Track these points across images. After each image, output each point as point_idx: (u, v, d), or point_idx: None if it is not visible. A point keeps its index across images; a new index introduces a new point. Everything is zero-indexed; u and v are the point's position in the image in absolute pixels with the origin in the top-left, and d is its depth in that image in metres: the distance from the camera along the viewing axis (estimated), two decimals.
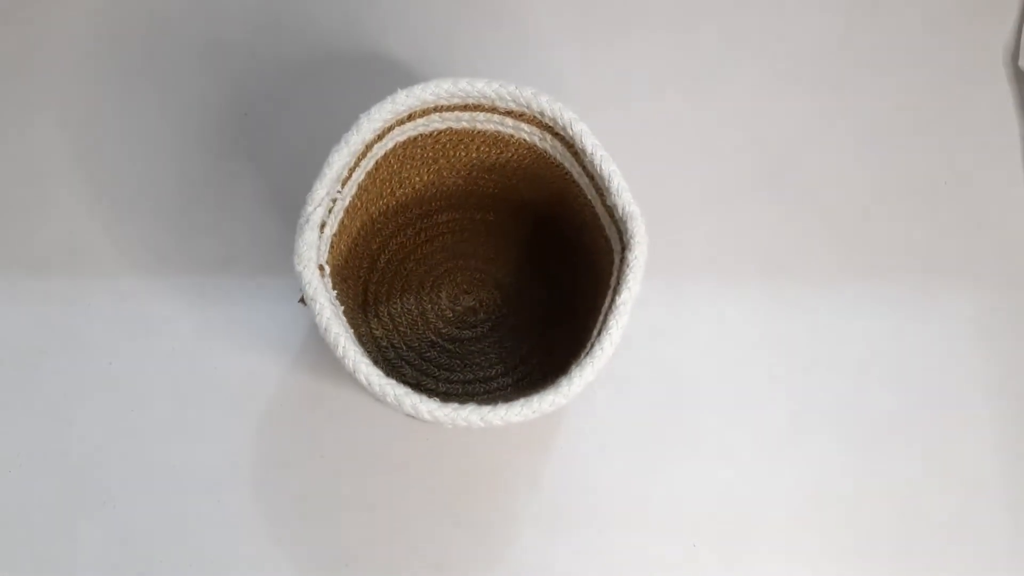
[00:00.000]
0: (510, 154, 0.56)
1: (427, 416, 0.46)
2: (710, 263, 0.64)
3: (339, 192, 0.50)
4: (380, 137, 0.51)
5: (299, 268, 0.47)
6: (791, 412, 0.63)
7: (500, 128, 0.53)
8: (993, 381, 0.63)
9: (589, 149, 0.49)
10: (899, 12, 0.69)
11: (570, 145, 0.51)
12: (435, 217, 0.63)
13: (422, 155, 0.56)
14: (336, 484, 0.60)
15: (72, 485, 0.58)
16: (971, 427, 0.62)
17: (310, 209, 0.48)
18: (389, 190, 0.59)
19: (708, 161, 0.66)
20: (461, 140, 0.55)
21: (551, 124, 0.51)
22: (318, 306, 0.46)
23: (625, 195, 0.48)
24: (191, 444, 0.60)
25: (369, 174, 0.54)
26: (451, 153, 0.57)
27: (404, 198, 0.61)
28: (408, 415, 0.48)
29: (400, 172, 0.58)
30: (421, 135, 0.54)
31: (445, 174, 0.59)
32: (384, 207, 0.60)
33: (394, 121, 0.51)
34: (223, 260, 0.62)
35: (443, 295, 0.62)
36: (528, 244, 0.63)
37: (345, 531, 0.59)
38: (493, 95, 0.50)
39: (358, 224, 0.58)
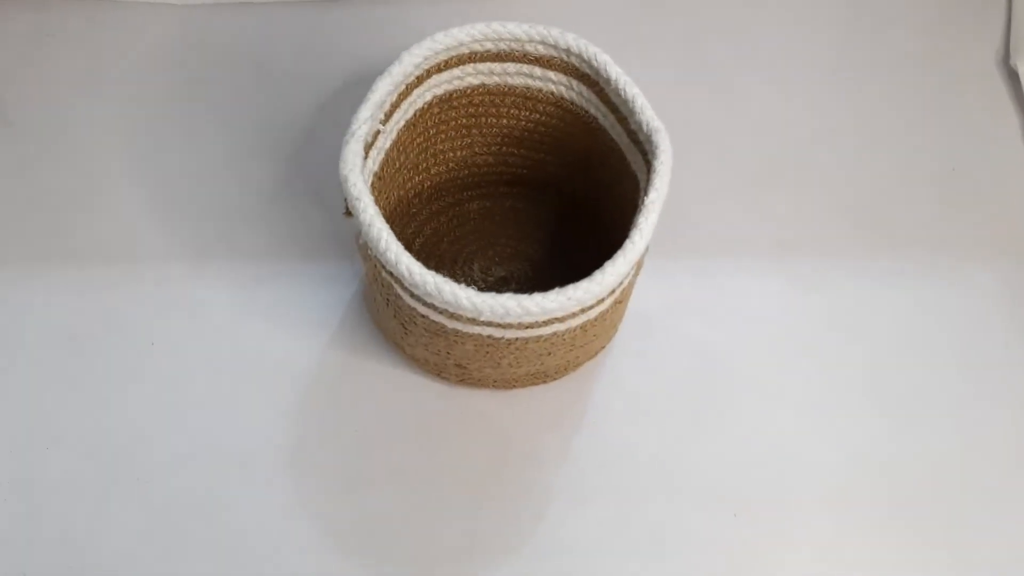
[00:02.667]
0: (539, 115, 0.60)
1: (465, 303, 0.48)
2: (738, 243, 0.67)
3: (382, 125, 0.54)
4: (420, 81, 0.56)
5: (344, 172, 0.50)
6: (824, 383, 0.63)
7: (530, 82, 0.58)
8: (1019, 343, 0.64)
9: (613, 77, 0.53)
10: (901, 21, 0.76)
11: (594, 84, 0.55)
12: (466, 205, 0.66)
13: (455, 121, 0.61)
14: (370, 459, 0.59)
15: (114, 462, 0.59)
16: (1002, 390, 0.63)
17: (355, 126, 0.51)
18: (424, 165, 0.63)
19: (733, 153, 0.70)
20: (493, 102, 0.59)
21: (576, 64, 0.55)
22: (362, 205, 0.49)
23: (648, 112, 0.52)
24: (230, 421, 0.60)
25: (408, 125, 0.57)
26: (483, 121, 0.61)
27: (439, 178, 0.64)
28: (445, 309, 0.49)
29: (435, 142, 0.62)
30: (457, 91, 0.58)
31: (477, 148, 0.63)
32: (420, 185, 0.64)
33: (433, 65, 0.55)
34: (265, 249, 0.65)
35: (475, 267, 0.64)
36: (555, 222, 0.66)
37: (379, 505, 0.58)
38: (523, 36, 0.55)
39: (394, 198, 0.62)
